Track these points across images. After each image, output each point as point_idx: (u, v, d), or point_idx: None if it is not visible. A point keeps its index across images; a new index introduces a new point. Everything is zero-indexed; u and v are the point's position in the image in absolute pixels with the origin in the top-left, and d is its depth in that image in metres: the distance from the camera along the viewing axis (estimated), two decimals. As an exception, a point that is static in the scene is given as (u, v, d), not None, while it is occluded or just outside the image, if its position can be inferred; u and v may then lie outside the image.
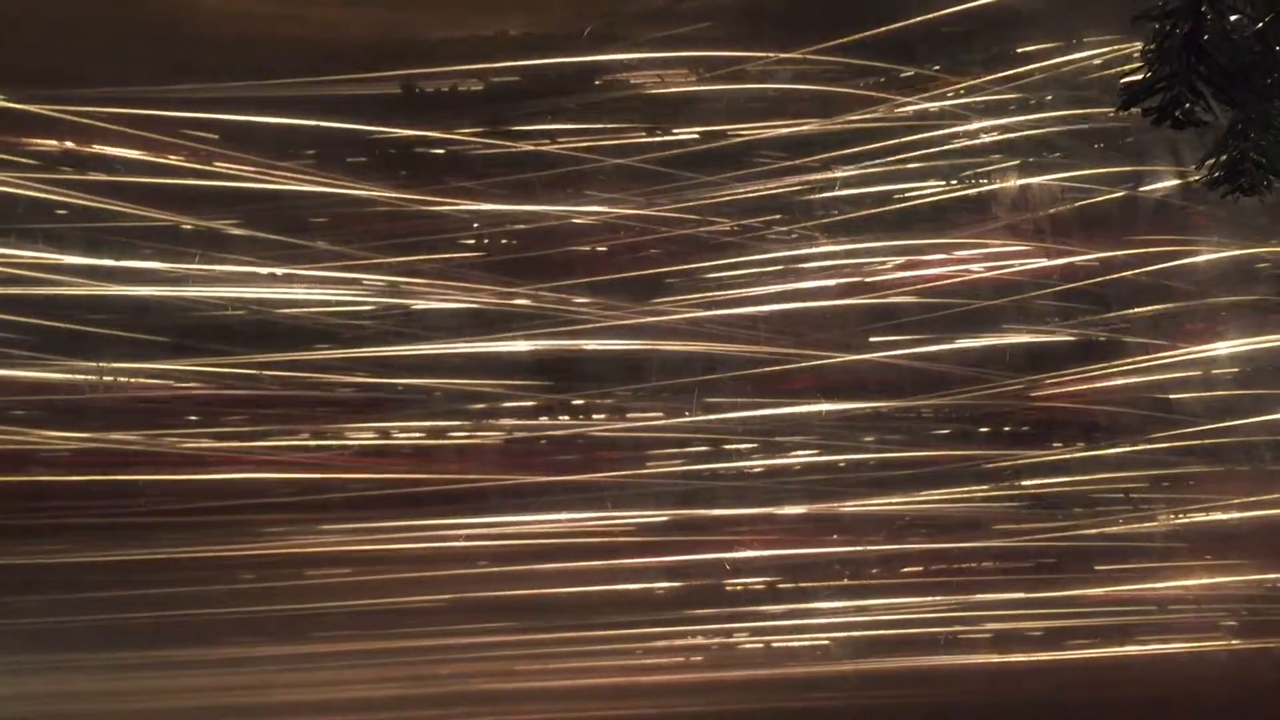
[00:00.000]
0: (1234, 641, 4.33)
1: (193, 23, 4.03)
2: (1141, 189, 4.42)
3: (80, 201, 3.89)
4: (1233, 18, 2.25)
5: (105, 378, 3.82)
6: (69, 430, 3.84)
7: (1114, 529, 4.33)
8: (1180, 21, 2.23)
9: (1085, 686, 4.24)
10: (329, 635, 3.95)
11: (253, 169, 4.03)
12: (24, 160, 3.92)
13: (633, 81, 4.29)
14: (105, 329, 3.85)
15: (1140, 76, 2.36)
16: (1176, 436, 4.33)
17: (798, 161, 4.29)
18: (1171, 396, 4.37)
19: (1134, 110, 2.41)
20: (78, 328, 3.82)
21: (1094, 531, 4.32)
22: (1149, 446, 4.32)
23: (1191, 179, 4.20)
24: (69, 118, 3.88)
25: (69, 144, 3.93)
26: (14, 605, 3.74)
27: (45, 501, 3.80)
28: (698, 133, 4.29)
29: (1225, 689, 4.22)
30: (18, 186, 3.87)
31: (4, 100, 3.85)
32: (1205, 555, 4.36)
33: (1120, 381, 4.34)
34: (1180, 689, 4.20)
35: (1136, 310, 4.36)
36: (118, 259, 3.86)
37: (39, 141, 3.92)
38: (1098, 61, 4.35)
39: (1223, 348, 4.40)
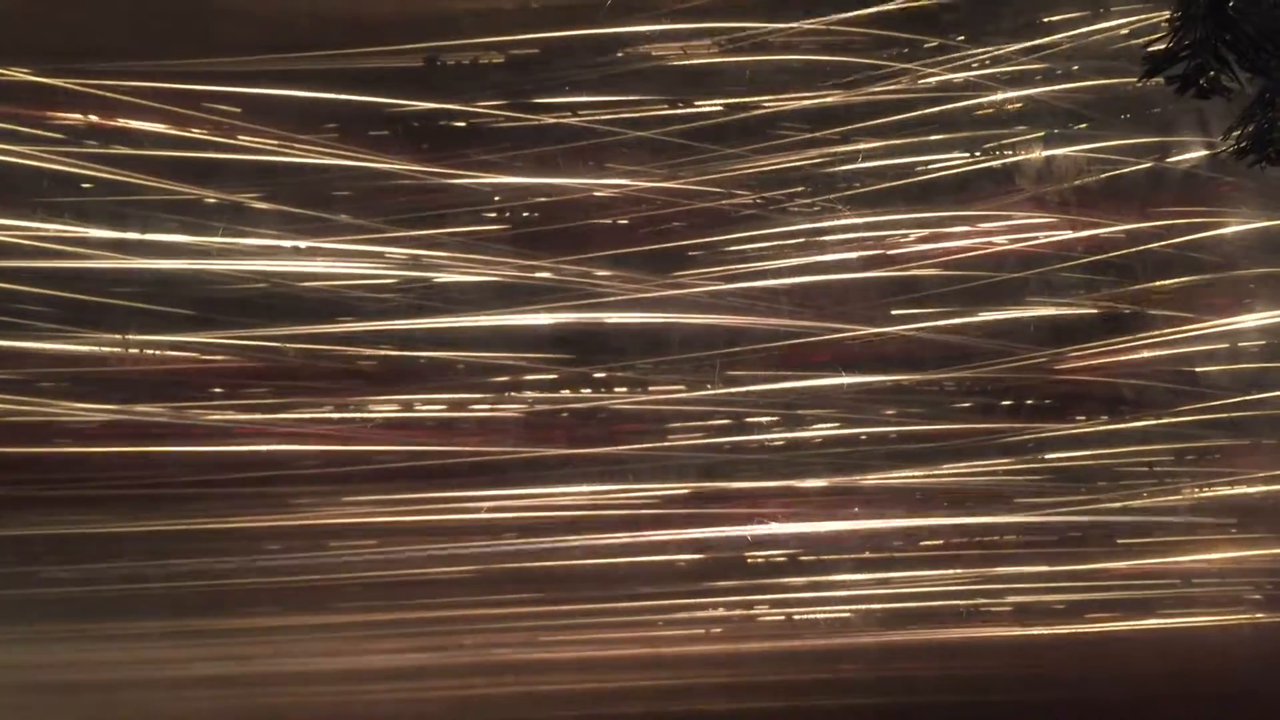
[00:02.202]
0: (1259, 615, 4.30)
1: (215, -4, 4.04)
2: (1168, 160, 4.37)
3: (105, 175, 3.92)
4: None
5: (131, 350, 3.85)
6: (95, 402, 3.87)
7: (1138, 503, 4.30)
8: (1205, -12, 2.21)
9: (1108, 659, 4.23)
10: (353, 606, 3.98)
11: (276, 143, 4.04)
12: (49, 134, 3.94)
13: (654, 53, 4.27)
14: (130, 301, 3.88)
15: (1165, 45, 2.34)
16: (1202, 410, 4.29)
17: (820, 134, 4.27)
18: (1197, 369, 4.34)
19: (1161, 79, 2.39)
20: (103, 300, 3.85)
21: (1117, 505, 4.30)
22: (1174, 420, 4.29)
23: (1219, 149, 4.15)
24: (94, 91, 3.90)
25: (94, 118, 3.95)
26: (41, 574, 3.79)
27: (71, 472, 3.84)
28: (720, 105, 4.27)
29: (1250, 662, 4.20)
30: (44, 160, 3.89)
31: (29, 74, 3.87)
32: (1230, 529, 4.34)
33: (1145, 354, 4.31)
34: (1204, 662, 4.19)
35: (1162, 283, 4.33)
36: (142, 232, 3.88)
37: (64, 115, 3.94)
38: (1125, 31, 4.30)
39: (1250, 320, 4.36)
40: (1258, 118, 2.49)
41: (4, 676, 3.78)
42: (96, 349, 3.84)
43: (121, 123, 3.95)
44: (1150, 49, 2.35)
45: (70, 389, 3.87)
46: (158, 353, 3.88)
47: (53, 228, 3.84)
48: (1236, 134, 2.54)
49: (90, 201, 3.91)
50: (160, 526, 3.84)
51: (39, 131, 3.93)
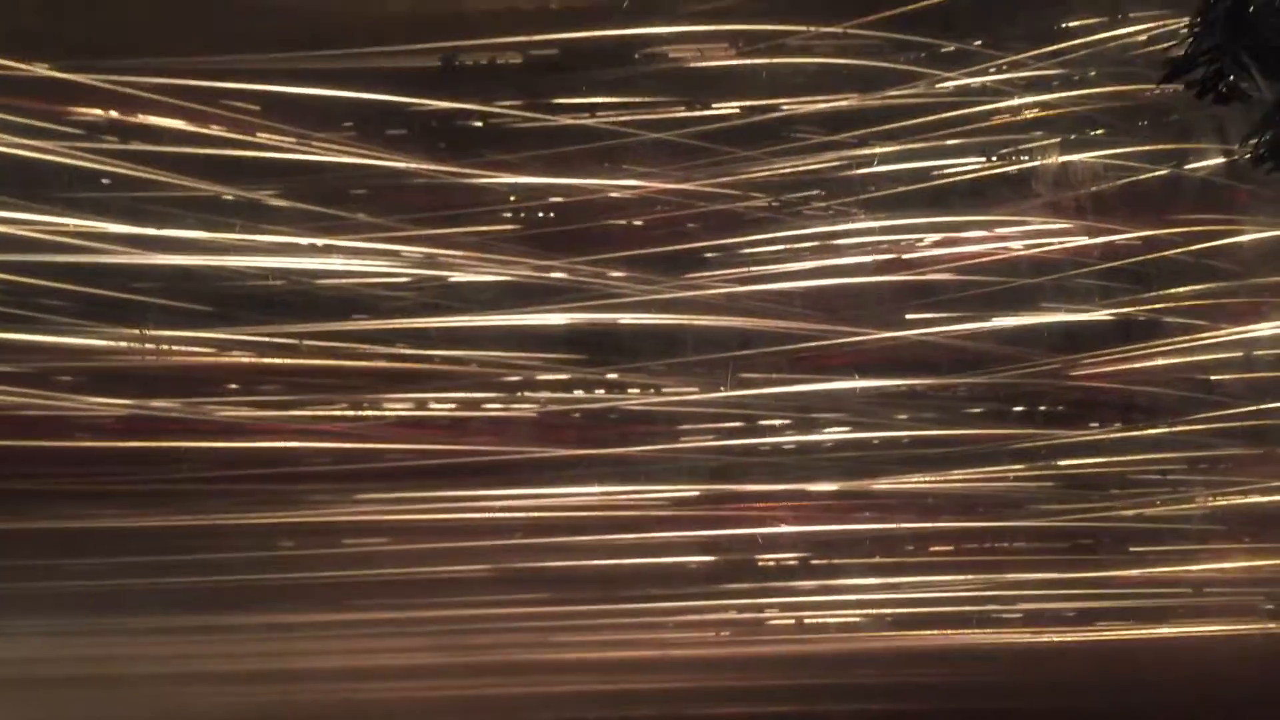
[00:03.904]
0: (1271, 625, 4.29)
1: (234, -6, 4.05)
2: (1185, 167, 4.37)
3: (123, 171, 3.93)
4: (1280, -10, 2.22)
5: (147, 345, 3.87)
6: (111, 397, 3.89)
7: (1150, 510, 4.29)
8: (1226, -6, 2.21)
9: (1119, 667, 4.22)
10: (366, 604, 3.99)
11: (293, 140, 4.06)
12: (68, 130, 3.96)
13: (672, 55, 4.28)
14: (147, 297, 3.90)
15: (1184, 50, 2.34)
16: (1216, 418, 4.29)
17: (836, 137, 4.27)
18: (1212, 377, 4.33)
19: (1178, 87, 2.39)
20: (120, 295, 3.87)
21: (1130, 513, 4.29)
22: (1188, 428, 4.28)
23: (1236, 156, 4.15)
24: (112, 87, 3.92)
25: (113, 113, 3.97)
26: (58, 568, 3.81)
27: (88, 467, 3.86)
28: (736, 107, 4.27)
29: (1261, 673, 4.19)
30: (63, 155, 3.91)
31: (48, 69, 3.89)
32: (1244, 538, 4.33)
33: (1160, 362, 4.30)
34: (1216, 672, 4.18)
35: (1178, 290, 4.32)
36: (159, 228, 3.90)
37: (83, 110, 3.97)
38: (1143, 37, 4.29)
39: (1265, 329, 4.35)
40: (1276, 125, 2.48)
41: (19, 670, 3.80)
42: (114, 343, 3.86)
43: (140, 119, 3.97)
44: (1171, 54, 2.35)
45: (86, 383, 3.89)
46: (175, 348, 3.90)
47: (70, 222, 3.86)
48: (1254, 141, 2.54)
49: (109, 197, 3.93)
50: (176, 522, 3.86)
51: (58, 127, 3.95)
